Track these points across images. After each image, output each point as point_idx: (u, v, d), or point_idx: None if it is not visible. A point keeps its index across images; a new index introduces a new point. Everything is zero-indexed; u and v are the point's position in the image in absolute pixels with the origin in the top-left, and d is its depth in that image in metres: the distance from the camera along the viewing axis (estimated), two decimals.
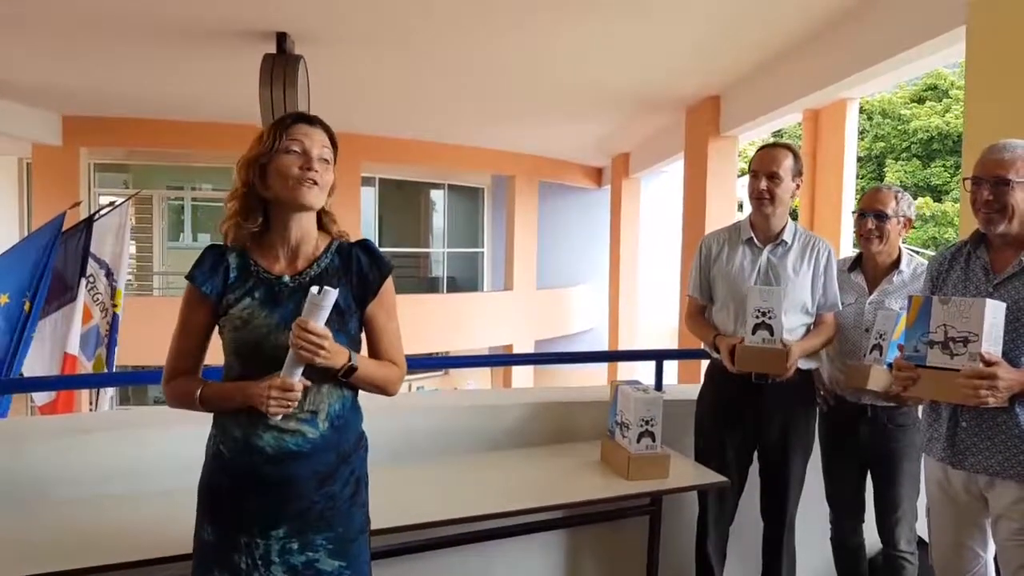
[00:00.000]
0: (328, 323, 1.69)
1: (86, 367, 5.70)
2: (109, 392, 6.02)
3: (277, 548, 1.74)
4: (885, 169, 20.45)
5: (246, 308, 1.74)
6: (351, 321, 1.80)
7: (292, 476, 1.74)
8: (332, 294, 1.65)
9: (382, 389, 1.85)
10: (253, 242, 1.82)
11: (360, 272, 1.83)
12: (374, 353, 1.88)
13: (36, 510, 2.30)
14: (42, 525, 2.19)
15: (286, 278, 1.79)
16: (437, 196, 15.83)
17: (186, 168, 13.23)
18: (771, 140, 2.97)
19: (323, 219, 1.86)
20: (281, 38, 5.85)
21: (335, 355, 1.69)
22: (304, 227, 1.81)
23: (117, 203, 6.34)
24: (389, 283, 1.86)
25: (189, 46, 6.39)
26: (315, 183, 1.75)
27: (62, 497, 2.39)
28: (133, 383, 11.31)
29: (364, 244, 1.89)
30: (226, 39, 6.12)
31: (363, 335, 1.88)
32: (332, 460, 1.78)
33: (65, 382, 5.18)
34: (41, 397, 5.32)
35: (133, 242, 12.16)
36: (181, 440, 2.50)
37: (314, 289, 1.65)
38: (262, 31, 5.85)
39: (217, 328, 1.81)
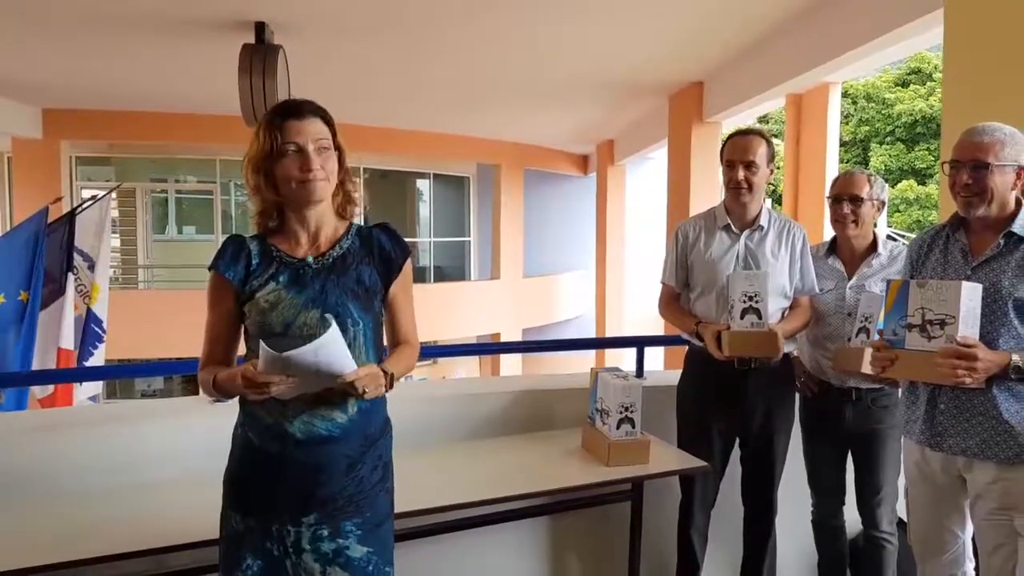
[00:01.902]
0: (353, 302, 1.78)
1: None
2: (86, 389, 5.97)
3: (308, 535, 1.78)
4: (870, 153, 20.54)
5: (272, 291, 1.78)
6: (375, 301, 1.85)
7: (322, 461, 1.77)
8: (335, 328, 1.67)
9: (407, 375, 1.92)
10: (271, 230, 1.86)
11: (383, 253, 1.88)
12: (393, 330, 1.94)
13: (53, 501, 2.34)
14: (60, 515, 2.24)
15: (310, 259, 1.82)
16: (423, 185, 15.83)
17: (169, 160, 13.18)
18: (743, 127, 2.95)
19: (343, 203, 1.89)
20: (260, 28, 5.82)
21: (381, 383, 1.75)
22: (320, 211, 1.84)
23: (99, 196, 6.29)
24: (409, 263, 1.93)
25: (168, 37, 6.34)
26: (321, 180, 1.77)
27: (78, 487, 2.43)
28: (124, 376, 11.31)
29: (385, 227, 1.94)
30: (205, 30, 6.08)
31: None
32: (360, 444, 1.82)
33: (59, 376, 5.19)
34: (40, 391, 5.32)
35: (116, 235, 12.12)
36: (188, 431, 2.65)
37: (315, 345, 1.63)
38: (241, 21, 5.81)
39: (244, 314, 1.83)
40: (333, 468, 1.78)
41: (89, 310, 5.95)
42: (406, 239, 1.98)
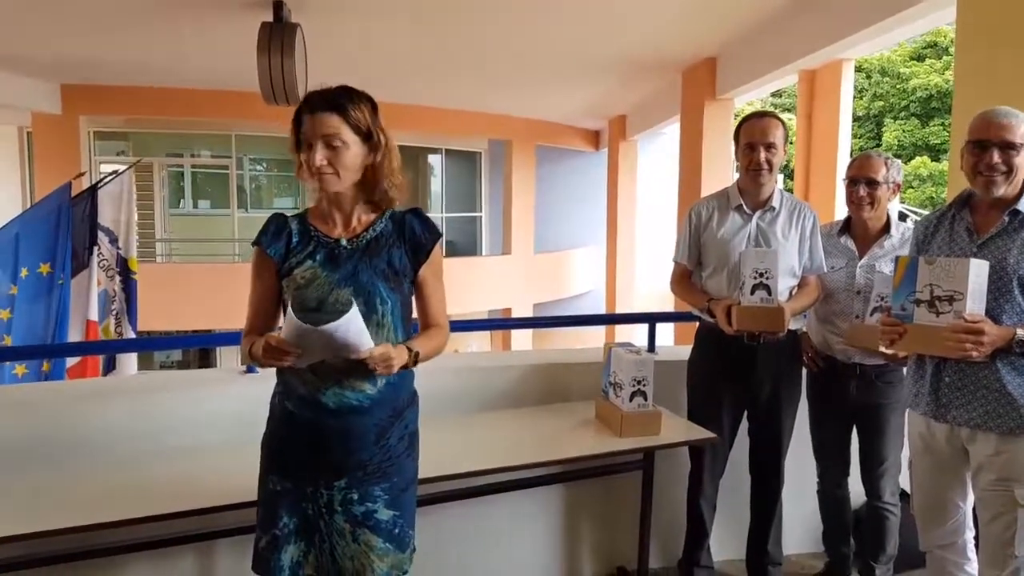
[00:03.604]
0: (383, 282, 1.87)
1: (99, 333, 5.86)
2: (131, 365, 6.17)
3: (339, 498, 1.90)
4: (883, 128, 20.38)
5: (308, 269, 1.88)
6: (404, 283, 1.94)
7: (353, 429, 1.88)
8: (355, 310, 1.74)
9: (435, 356, 2.00)
10: (311, 209, 1.96)
11: (413, 237, 1.96)
12: (422, 311, 2.03)
13: (97, 466, 2.45)
14: (103, 479, 2.34)
15: (344, 241, 1.92)
16: (435, 161, 15.82)
17: (185, 135, 13.23)
18: (759, 108, 2.99)
19: (377, 189, 1.94)
20: (278, 6, 5.85)
21: (402, 360, 1.83)
22: (348, 197, 1.93)
23: (120, 171, 6.39)
24: (438, 247, 2.00)
25: (187, 14, 6.39)
26: (327, 173, 1.85)
27: (121, 453, 2.56)
28: (144, 349, 11.46)
29: (416, 211, 2.02)
30: (224, 7, 6.12)
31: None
32: (388, 415, 1.93)
33: (92, 347, 5.35)
34: (69, 360, 5.48)
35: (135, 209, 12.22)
36: (224, 400, 2.78)
37: (337, 324, 1.70)
38: None
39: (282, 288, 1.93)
40: (364, 437, 1.89)
41: (134, 283, 6.12)
42: None
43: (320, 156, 1.83)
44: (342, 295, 1.85)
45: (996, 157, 2.14)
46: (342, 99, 1.86)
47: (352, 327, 1.71)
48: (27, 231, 5.47)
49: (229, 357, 12.38)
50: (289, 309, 1.72)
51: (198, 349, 13.12)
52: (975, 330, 2.04)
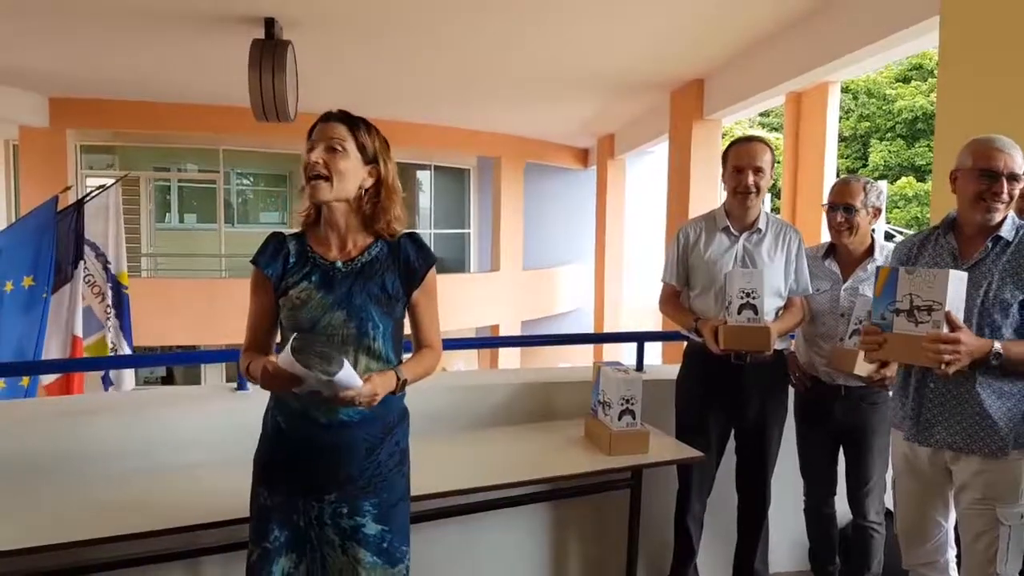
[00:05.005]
0: (376, 307, 1.89)
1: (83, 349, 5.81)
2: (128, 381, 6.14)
3: (329, 511, 1.92)
4: (870, 149, 20.58)
5: (304, 290, 1.90)
6: (397, 307, 1.97)
7: (343, 444, 1.91)
8: (347, 365, 1.74)
9: (426, 377, 2.03)
10: (310, 230, 1.99)
11: (407, 262, 1.98)
12: (415, 332, 2.06)
13: (88, 482, 2.44)
14: (94, 495, 2.34)
15: (339, 264, 1.94)
16: (423, 177, 15.83)
17: (173, 149, 13.19)
18: (746, 128, 3.03)
19: (379, 222, 1.97)
20: (269, 23, 5.88)
21: (388, 387, 1.87)
22: (343, 217, 1.95)
23: (107, 185, 6.38)
24: (432, 272, 2.02)
25: (177, 30, 6.40)
26: (319, 177, 1.88)
27: (111, 469, 2.55)
28: (127, 366, 11.40)
29: (411, 236, 2.04)
30: (214, 24, 6.14)
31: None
32: (378, 431, 1.95)
33: (73, 365, 5.30)
34: (47, 377, 5.43)
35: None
36: (215, 416, 2.79)
37: (334, 378, 1.71)
38: (250, 17, 5.87)
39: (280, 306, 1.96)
40: (354, 451, 1.91)
41: (126, 297, 6.09)
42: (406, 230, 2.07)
43: (317, 154, 1.87)
44: (335, 318, 1.88)
45: (1006, 187, 2.18)
46: (356, 119, 1.94)
47: (343, 383, 1.72)
48: (12, 245, 5.45)
49: (214, 373, 12.34)
50: (283, 351, 1.72)
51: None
52: (952, 339, 2.06)
